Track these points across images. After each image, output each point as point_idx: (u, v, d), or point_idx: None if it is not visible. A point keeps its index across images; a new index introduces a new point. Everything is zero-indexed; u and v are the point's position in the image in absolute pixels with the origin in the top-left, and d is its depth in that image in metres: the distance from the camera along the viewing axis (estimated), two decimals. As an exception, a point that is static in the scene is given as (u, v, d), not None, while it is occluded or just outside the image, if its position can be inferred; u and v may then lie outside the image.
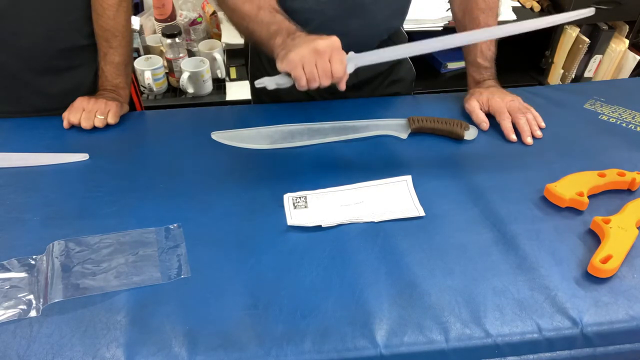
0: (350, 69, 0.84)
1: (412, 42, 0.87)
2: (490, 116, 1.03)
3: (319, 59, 0.79)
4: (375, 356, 0.65)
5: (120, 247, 0.77)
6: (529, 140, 0.98)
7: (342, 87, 0.84)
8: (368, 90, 1.17)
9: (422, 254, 0.76)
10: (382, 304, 0.69)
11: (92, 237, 0.78)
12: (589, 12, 0.85)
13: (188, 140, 1.00)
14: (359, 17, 1.02)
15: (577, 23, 2.02)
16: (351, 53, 0.84)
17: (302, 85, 0.81)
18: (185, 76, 1.80)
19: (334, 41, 0.80)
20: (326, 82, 0.81)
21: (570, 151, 0.96)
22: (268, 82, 0.83)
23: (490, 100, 1.03)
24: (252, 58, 1.20)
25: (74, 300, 0.69)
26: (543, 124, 1.02)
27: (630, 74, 2.11)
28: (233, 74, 1.96)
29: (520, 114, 1.00)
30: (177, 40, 1.81)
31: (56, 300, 0.68)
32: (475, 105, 1.03)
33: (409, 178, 0.89)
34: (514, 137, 0.99)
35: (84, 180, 0.90)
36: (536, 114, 1.03)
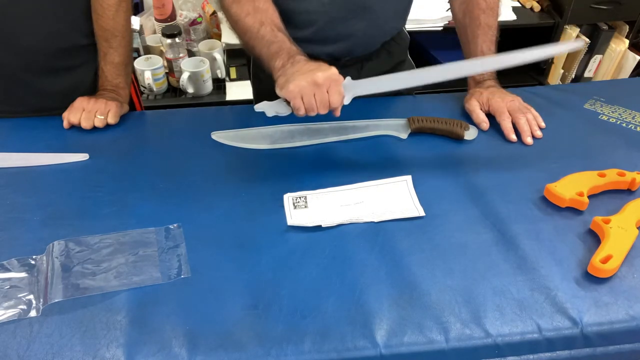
0: (347, 101, 0.85)
1: (411, 71, 0.88)
2: (490, 116, 1.03)
3: (317, 90, 0.80)
4: (375, 356, 0.65)
5: (120, 247, 0.77)
6: (528, 140, 0.98)
7: (337, 114, 0.85)
8: None
9: (422, 254, 0.76)
10: (382, 304, 0.69)
11: (92, 237, 0.78)
12: (579, 45, 0.88)
13: (188, 140, 1.00)
14: (362, 19, 1.02)
15: (577, 23, 2.02)
16: (347, 79, 0.85)
17: (301, 114, 0.83)
18: (185, 76, 1.80)
19: (333, 73, 0.81)
20: (323, 112, 0.83)
21: (570, 151, 0.96)
22: (268, 110, 0.85)
23: (491, 100, 1.03)
24: (254, 58, 1.20)
25: (74, 300, 0.69)
26: (543, 124, 1.02)
27: (630, 74, 2.11)
28: (233, 74, 1.96)
29: (520, 114, 1.00)
30: (177, 40, 1.81)
31: (56, 300, 0.68)
32: (475, 105, 1.03)
33: (409, 178, 0.89)
34: (514, 137, 0.99)
35: (84, 180, 0.90)
36: (536, 114, 1.03)
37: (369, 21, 1.03)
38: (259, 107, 0.86)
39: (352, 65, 1.11)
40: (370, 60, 1.13)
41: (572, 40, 0.88)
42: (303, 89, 0.80)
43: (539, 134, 1.00)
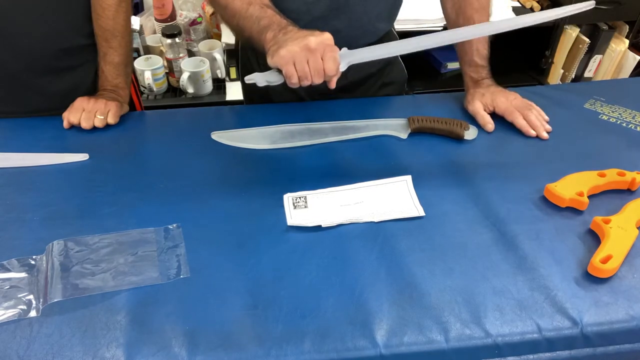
0: (343, 67, 0.82)
1: (405, 38, 0.87)
2: (492, 116, 1.03)
3: (311, 56, 0.77)
4: (375, 356, 0.65)
5: (120, 247, 0.77)
6: (545, 134, 0.99)
7: (333, 85, 0.83)
8: (359, 92, 1.17)
9: (422, 254, 0.76)
10: (382, 304, 0.69)
11: (91, 237, 0.78)
12: (589, 4, 0.84)
13: (188, 140, 1.00)
14: (344, 18, 1.01)
15: (577, 23, 2.02)
16: (344, 49, 0.83)
17: (294, 82, 0.80)
18: (185, 76, 1.80)
19: (326, 38, 0.79)
20: (318, 80, 0.80)
21: (570, 151, 0.96)
22: (259, 79, 0.82)
23: (495, 101, 1.03)
24: (243, 61, 1.20)
25: (73, 300, 0.69)
26: (547, 117, 1.03)
27: (630, 74, 2.11)
28: (233, 74, 1.96)
29: (528, 111, 1.02)
30: (177, 40, 1.81)
31: (55, 300, 0.68)
32: (479, 107, 1.03)
33: (409, 178, 0.89)
34: (533, 132, 1.00)
35: (84, 180, 0.90)
36: (539, 108, 1.04)
37: (350, 21, 1.02)
38: (250, 77, 0.83)
39: None
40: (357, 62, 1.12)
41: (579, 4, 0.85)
42: (295, 55, 0.77)
43: (549, 127, 1.01)
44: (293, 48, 0.77)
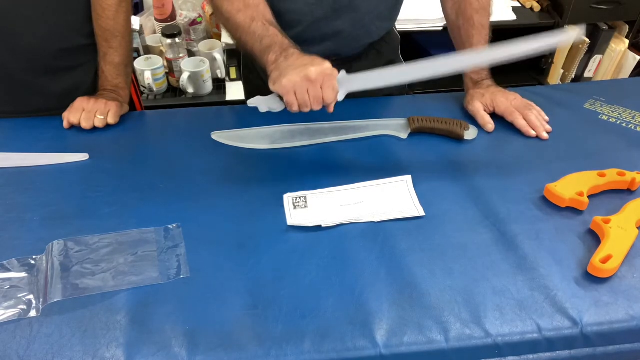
0: (341, 97, 0.85)
1: (407, 64, 0.87)
2: (492, 116, 1.03)
3: (311, 86, 0.80)
4: (375, 356, 0.65)
5: (120, 247, 0.77)
6: (545, 135, 0.99)
7: (331, 110, 0.85)
8: (359, 93, 1.17)
9: (422, 254, 0.76)
10: (382, 304, 0.69)
11: (91, 237, 0.78)
12: (577, 35, 0.82)
13: (188, 140, 1.00)
14: (347, 19, 1.02)
15: (576, 23, 2.02)
16: (342, 73, 0.84)
17: (294, 110, 0.82)
18: (185, 76, 1.80)
19: (327, 67, 0.80)
20: (317, 108, 0.83)
21: (570, 151, 0.96)
22: (261, 105, 0.85)
23: (495, 101, 1.03)
24: (245, 61, 1.20)
25: (73, 300, 0.69)
26: (547, 117, 1.03)
27: (630, 74, 2.11)
28: (233, 74, 1.96)
29: (527, 111, 1.02)
30: (177, 40, 1.81)
31: (55, 300, 0.68)
32: (479, 107, 1.03)
33: (409, 178, 0.89)
34: (533, 132, 1.00)
35: (84, 180, 0.90)
36: (539, 108, 1.04)
37: (353, 21, 1.03)
38: (252, 102, 0.86)
39: (341, 65, 1.11)
40: (359, 60, 1.12)
41: (569, 31, 0.82)
42: (296, 85, 0.79)
43: (549, 127, 1.01)
44: (294, 78, 0.79)
